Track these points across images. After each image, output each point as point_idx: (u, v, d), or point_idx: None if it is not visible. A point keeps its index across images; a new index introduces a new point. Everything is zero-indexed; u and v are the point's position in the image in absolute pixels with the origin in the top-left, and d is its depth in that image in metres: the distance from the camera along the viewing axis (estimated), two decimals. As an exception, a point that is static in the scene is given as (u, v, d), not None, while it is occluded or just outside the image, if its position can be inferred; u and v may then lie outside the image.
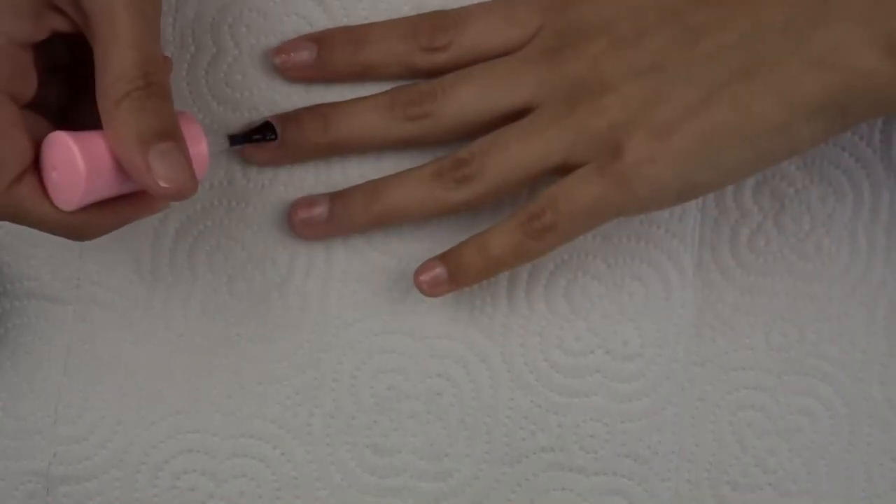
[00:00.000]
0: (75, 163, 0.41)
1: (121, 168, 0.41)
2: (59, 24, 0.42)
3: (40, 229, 0.43)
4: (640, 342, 0.50)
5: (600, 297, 0.50)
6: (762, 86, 0.43)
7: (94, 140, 0.41)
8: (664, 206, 0.46)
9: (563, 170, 0.45)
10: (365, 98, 0.47)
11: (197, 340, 0.49)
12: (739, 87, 0.43)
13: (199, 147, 0.43)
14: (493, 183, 0.46)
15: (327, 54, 0.47)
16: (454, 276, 0.47)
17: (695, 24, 0.44)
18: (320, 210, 0.48)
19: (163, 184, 0.40)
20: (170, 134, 0.41)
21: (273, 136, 0.47)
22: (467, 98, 0.46)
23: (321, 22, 0.47)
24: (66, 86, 0.45)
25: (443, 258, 0.47)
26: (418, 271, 0.47)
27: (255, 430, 0.49)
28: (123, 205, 0.43)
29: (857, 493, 0.51)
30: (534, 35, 0.46)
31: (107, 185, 0.42)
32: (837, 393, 0.51)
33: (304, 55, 0.47)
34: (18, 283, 0.50)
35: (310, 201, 0.48)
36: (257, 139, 0.47)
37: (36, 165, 0.42)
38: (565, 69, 0.45)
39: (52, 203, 0.42)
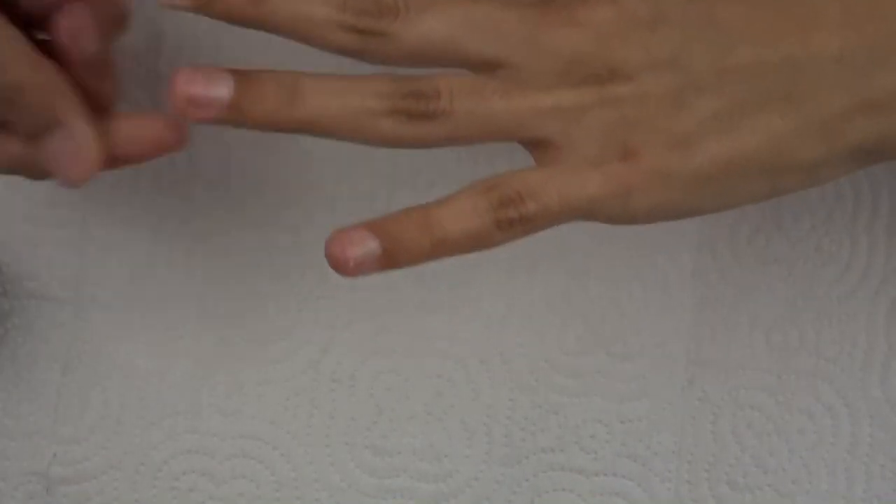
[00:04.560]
0: None
1: None
2: None
3: None
4: (639, 342, 0.50)
5: (599, 297, 0.50)
6: (804, 120, 0.38)
7: None
8: (646, 223, 0.39)
9: (537, 145, 0.38)
10: None
11: (196, 341, 0.49)
12: (778, 116, 0.38)
13: None
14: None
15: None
16: (390, 255, 0.37)
17: (730, 27, 0.38)
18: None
19: None
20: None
21: None
22: (432, 34, 0.37)
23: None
24: None
25: (377, 230, 0.37)
26: (339, 241, 0.37)
27: (255, 430, 0.49)
28: None
29: (857, 493, 0.51)
30: None
31: None
32: (837, 393, 0.50)
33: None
34: (18, 283, 0.49)
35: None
36: None
37: None
38: (562, 35, 0.37)
39: None
